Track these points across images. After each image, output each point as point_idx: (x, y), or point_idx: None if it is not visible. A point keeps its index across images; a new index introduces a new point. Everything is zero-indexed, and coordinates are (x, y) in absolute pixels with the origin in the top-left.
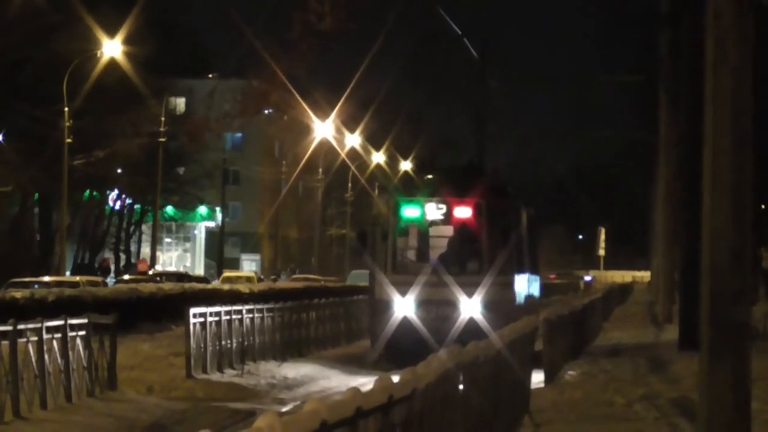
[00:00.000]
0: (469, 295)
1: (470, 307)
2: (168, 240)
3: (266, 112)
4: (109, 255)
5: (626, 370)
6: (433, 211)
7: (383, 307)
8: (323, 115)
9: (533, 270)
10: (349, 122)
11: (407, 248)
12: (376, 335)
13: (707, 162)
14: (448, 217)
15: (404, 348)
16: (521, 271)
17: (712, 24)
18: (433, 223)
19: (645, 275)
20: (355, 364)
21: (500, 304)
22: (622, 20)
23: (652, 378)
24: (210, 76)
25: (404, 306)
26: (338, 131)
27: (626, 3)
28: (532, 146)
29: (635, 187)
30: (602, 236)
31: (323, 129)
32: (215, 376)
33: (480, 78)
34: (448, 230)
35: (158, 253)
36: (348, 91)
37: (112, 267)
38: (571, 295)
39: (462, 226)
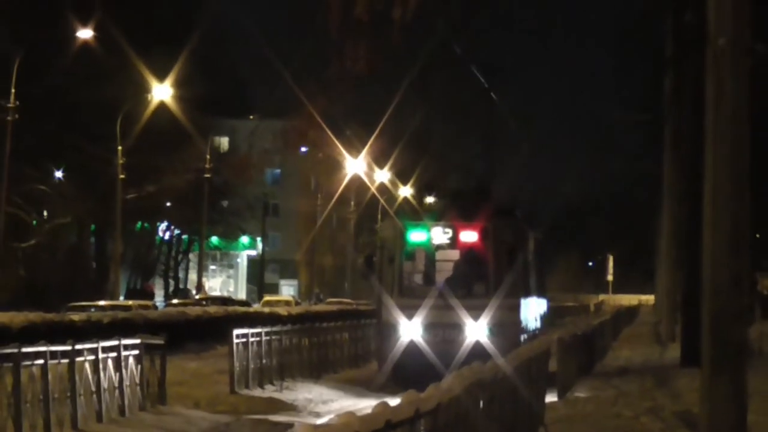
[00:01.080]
0: (476, 318)
1: (476, 330)
2: (213, 267)
3: (303, 149)
4: (154, 281)
5: (633, 385)
6: (440, 234)
7: (390, 330)
8: (355, 151)
9: (540, 293)
10: (379, 158)
11: (414, 272)
12: (383, 359)
13: (708, 193)
14: (454, 241)
15: (411, 371)
16: (528, 294)
17: (711, 65)
18: (440, 246)
19: (650, 298)
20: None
21: (506, 327)
22: (631, 61)
23: (657, 393)
24: (251, 117)
25: (411, 329)
26: (369, 167)
27: (634, 46)
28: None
29: (641, 217)
30: (611, 263)
31: (355, 165)
32: (257, 392)
33: (488, 103)
34: (455, 254)
35: (204, 279)
36: (378, 130)
37: (158, 292)
38: (582, 317)
39: (468, 250)
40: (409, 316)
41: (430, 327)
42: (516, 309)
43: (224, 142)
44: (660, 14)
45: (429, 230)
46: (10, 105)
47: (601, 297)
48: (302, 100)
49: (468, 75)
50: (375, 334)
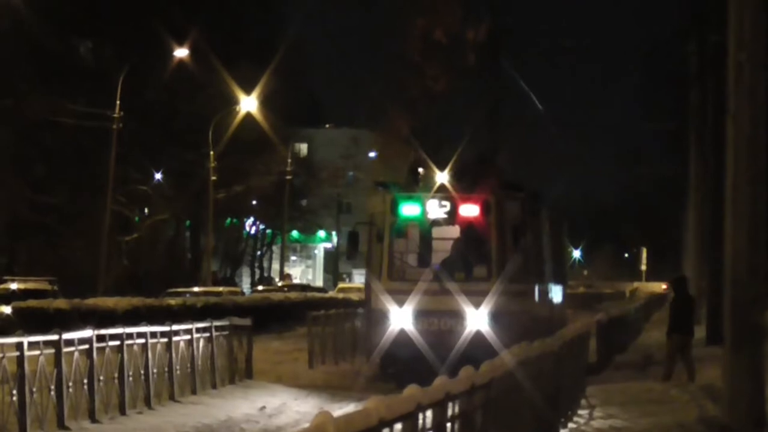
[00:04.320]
0: (476, 305)
1: (477, 319)
2: (293, 258)
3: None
4: (241, 271)
5: (659, 359)
6: (436, 208)
7: (378, 318)
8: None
9: (556, 278)
10: (440, 163)
11: (405, 251)
12: (370, 350)
13: (729, 194)
14: (452, 216)
15: (401, 365)
16: (539, 278)
17: (732, 78)
18: (436, 222)
19: None
20: None
21: (512, 316)
22: (658, 77)
23: (685, 368)
24: (327, 125)
25: (401, 317)
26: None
27: (661, 63)
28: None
29: (671, 214)
30: (644, 254)
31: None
32: (332, 368)
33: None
34: (453, 231)
35: (286, 269)
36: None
37: (245, 280)
38: (618, 302)
39: (468, 226)
40: (400, 303)
41: (423, 315)
42: (524, 296)
43: (303, 148)
44: (686, 36)
45: (423, 203)
46: (116, 115)
47: (636, 284)
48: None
49: (518, 92)
50: (362, 323)
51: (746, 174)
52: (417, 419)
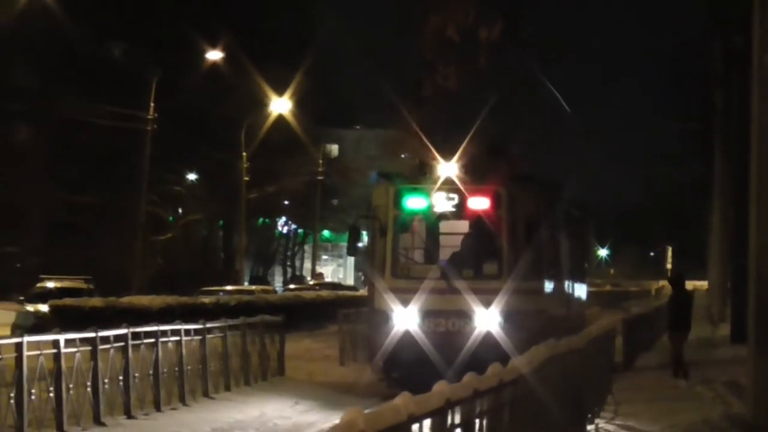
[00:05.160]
0: (486, 304)
1: (487, 319)
2: (324, 257)
3: (402, 156)
4: (273, 269)
5: (689, 359)
6: (443, 201)
7: (381, 319)
8: (448, 155)
9: (574, 275)
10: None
11: (410, 247)
12: (373, 352)
13: (753, 193)
14: (460, 209)
15: (406, 368)
16: (555, 275)
17: (756, 79)
18: (443, 215)
19: (703, 284)
20: None
21: (525, 316)
22: (683, 79)
23: (710, 365)
24: (357, 127)
25: (406, 318)
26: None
27: (687, 65)
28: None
29: (696, 214)
30: (669, 253)
31: (446, 169)
32: (363, 365)
33: (566, 118)
34: (462, 225)
35: (317, 267)
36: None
37: (278, 278)
38: (644, 300)
39: (478, 220)
40: (405, 302)
41: (429, 315)
42: (538, 294)
43: (334, 149)
44: (711, 37)
45: (429, 195)
46: (150, 117)
47: (662, 282)
48: (400, 112)
49: (547, 94)
50: (365, 324)
51: None
52: (446, 415)
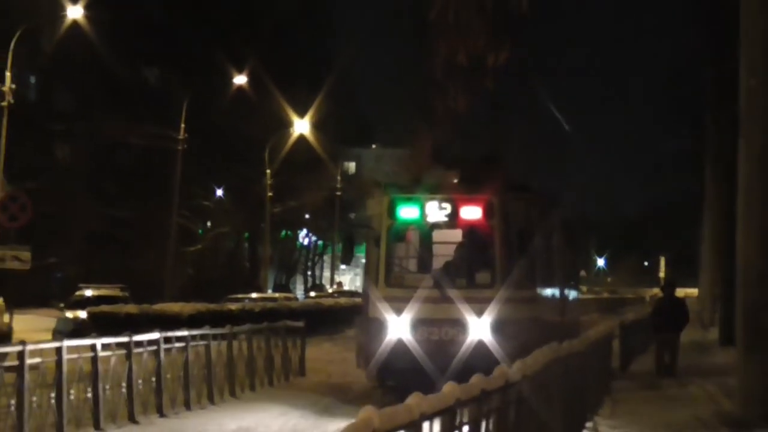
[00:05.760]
0: (479, 313)
1: (480, 328)
2: (342, 267)
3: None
4: (295, 278)
5: (682, 361)
6: (436, 210)
7: (375, 327)
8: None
9: (568, 284)
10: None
11: (404, 256)
12: (367, 361)
13: (740, 208)
14: (453, 218)
15: (399, 377)
16: (548, 284)
17: (744, 101)
18: (436, 225)
19: (693, 291)
20: None
21: (518, 325)
22: (677, 101)
23: (701, 367)
24: (373, 146)
25: (399, 327)
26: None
27: (680, 88)
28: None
29: (687, 226)
30: (663, 262)
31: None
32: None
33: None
34: (455, 234)
35: (335, 276)
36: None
37: (299, 287)
38: (639, 306)
39: (471, 229)
40: (398, 311)
41: (422, 324)
42: (531, 303)
43: (351, 166)
44: (703, 65)
45: (422, 204)
46: (181, 137)
47: (655, 290)
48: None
49: (547, 116)
50: (359, 332)
51: (757, 191)
52: (455, 414)
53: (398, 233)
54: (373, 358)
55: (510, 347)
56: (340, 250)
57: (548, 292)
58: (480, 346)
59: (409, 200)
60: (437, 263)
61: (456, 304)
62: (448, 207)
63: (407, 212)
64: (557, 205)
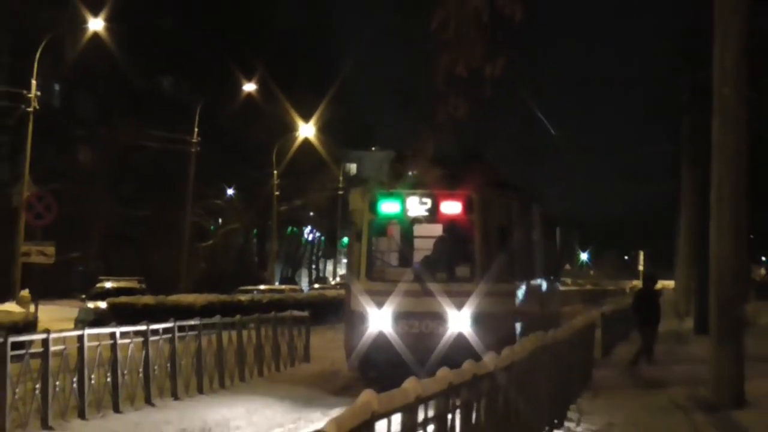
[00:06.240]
0: (459, 306)
1: (459, 321)
2: (344, 261)
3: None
4: (300, 272)
5: (659, 349)
6: (416, 205)
7: (357, 320)
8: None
9: (547, 277)
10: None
11: (386, 251)
12: (350, 352)
13: (713, 205)
14: (434, 213)
15: (380, 368)
16: (528, 278)
17: (717, 108)
18: (416, 220)
19: (670, 284)
20: None
21: (497, 318)
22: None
23: (677, 355)
24: (373, 148)
25: (380, 320)
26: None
27: (656, 94)
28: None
29: (665, 223)
30: (641, 257)
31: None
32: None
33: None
34: (435, 229)
35: (338, 269)
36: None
37: (304, 279)
38: (620, 298)
39: (451, 224)
40: (379, 304)
41: (403, 317)
42: (510, 296)
43: (353, 167)
44: (680, 73)
45: (403, 200)
46: (194, 140)
47: (634, 282)
48: (415, 136)
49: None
50: (343, 325)
51: (729, 191)
52: (449, 397)
53: (379, 228)
54: (355, 350)
55: (489, 340)
56: (342, 244)
57: (527, 285)
58: (459, 338)
59: (390, 195)
60: (418, 257)
61: (436, 298)
62: (428, 202)
63: (388, 207)
64: (537, 201)
